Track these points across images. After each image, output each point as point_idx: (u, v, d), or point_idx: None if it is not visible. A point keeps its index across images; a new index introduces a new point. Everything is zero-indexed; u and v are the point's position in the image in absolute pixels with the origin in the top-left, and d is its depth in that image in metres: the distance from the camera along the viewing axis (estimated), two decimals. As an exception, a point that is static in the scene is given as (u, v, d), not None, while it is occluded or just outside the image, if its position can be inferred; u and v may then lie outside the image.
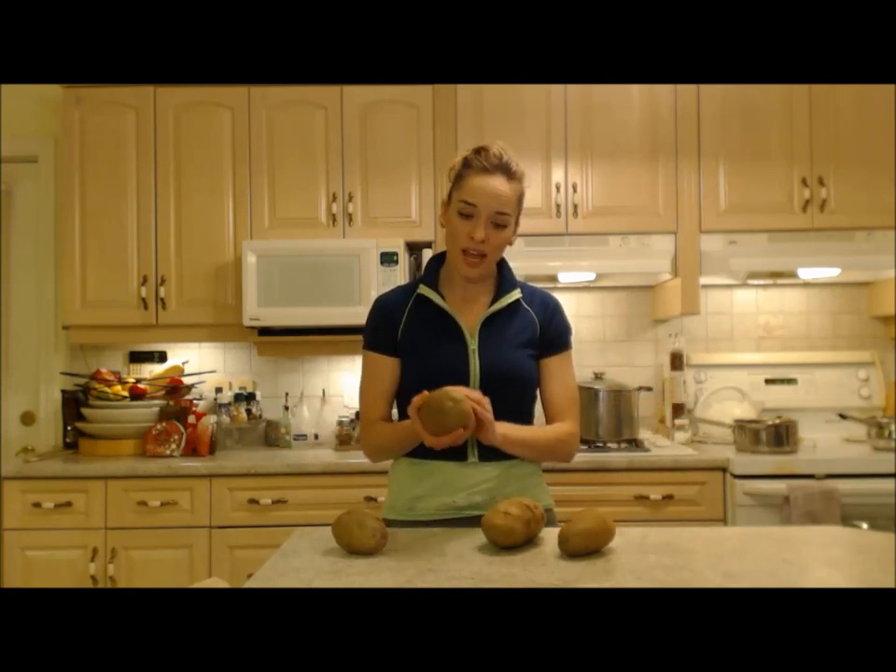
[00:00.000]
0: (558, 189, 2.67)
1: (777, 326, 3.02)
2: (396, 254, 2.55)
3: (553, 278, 2.79)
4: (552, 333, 1.53)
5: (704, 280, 2.78)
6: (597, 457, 2.40)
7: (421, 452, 1.43)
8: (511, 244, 1.50)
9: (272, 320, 2.57)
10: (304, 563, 1.18)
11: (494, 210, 1.42)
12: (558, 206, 2.67)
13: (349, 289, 2.56)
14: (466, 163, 1.45)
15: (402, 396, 1.50)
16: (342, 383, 3.01)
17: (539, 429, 1.50)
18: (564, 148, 2.68)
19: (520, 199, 1.49)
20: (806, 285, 3.00)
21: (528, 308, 1.53)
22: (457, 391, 1.28)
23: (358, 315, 2.53)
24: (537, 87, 2.67)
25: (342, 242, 2.62)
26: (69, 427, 2.77)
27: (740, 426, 2.54)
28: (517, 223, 1.51)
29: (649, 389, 2.78)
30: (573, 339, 1.58)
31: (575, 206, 2.66)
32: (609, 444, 2.56)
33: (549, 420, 1.53)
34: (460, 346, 1.47)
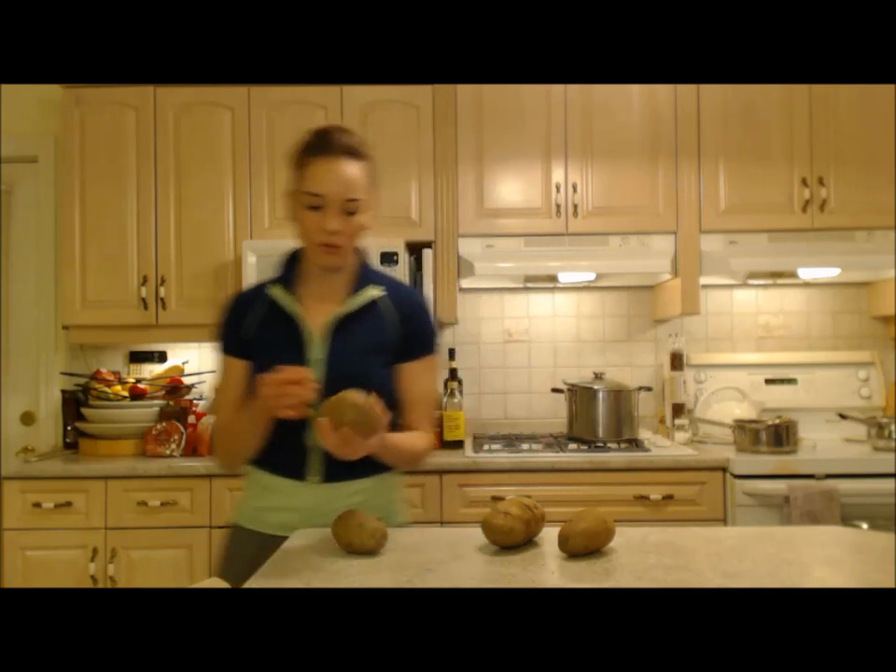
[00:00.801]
0: (558, 189, 2.67)
1: (777, 326, 3.02)
2: (396, 254, 2.55)
3: (553, 278, 2.80)
4: (415, 336, 1.42)
5: (704, 280, 2.79)
6: (597, 457, 2.40)
7: (266, 464, 1.39)
8: (368, 230, 1.39)
9: (272, 320, 2.56)
10: (304, 563, 1.18)
11: (343, 198, 1.30)
12: (558, 206, 2.67)
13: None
14: (306, 148, 1.32)
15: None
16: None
17: (409, 436, 1.40)
18: (564, 148, 2.68)
19: (370, 179, 1.35)
20: (806, 285, 3.00)
21: (390, 306, 1.41)
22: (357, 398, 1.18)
23: (358, 314, 2.53)
24: (537, 87, 2.67)
25: (342, 242, 2.62)
26: (69, 427, 2.77)
27: (740, 426, 2.54)
28: (373, 205, 1.40)
29: (649, 389, 2.78)
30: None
31: (575, 206, 2.66)
32: (608, 444, 2.56)
33: (403, 427, 1.42)
34: (303, 355, 1.36)
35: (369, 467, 1.38)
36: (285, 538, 1.32)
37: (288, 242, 2.61)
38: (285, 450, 1.37)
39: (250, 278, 2.56)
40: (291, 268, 1.44)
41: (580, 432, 2.65)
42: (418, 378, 1.43)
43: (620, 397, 2.63)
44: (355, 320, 1.39)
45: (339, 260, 1.36)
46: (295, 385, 1.19)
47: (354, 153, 1.31)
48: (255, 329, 1.40)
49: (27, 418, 3.02)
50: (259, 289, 1.44)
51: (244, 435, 1.34)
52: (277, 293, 1.40)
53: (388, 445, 1.29)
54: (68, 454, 2.70)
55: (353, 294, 1.40)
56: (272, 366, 1.26)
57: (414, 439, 1.40)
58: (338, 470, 1.36)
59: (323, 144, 1.31)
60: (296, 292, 1.41)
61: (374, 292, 1.41)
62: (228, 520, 2.40)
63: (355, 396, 1.20)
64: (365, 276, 1.43)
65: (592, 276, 2.74)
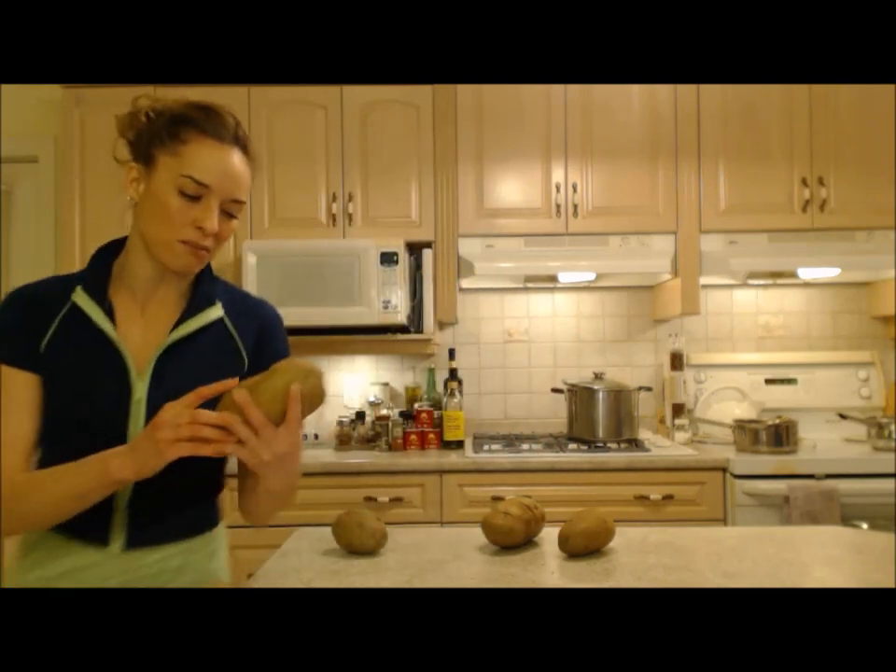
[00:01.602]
0: (558, 189, 2.67)
1: (777, 326, 3.02)
2: (396, 254, 2.55)
3: (553, 278, 2.80)
4: (266, 358, 1.14)
5: (704, 280, 2.79)
6: (597, 457, 2.40)
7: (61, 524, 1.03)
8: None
9: (272, 320, 2.57)
10: (304, 563, 1.18)
11: (231, 196, 1.06)
12: (558, 206, 2.67)
13: (349, 289, 2.56)
14: (184, 119, 1.05)
15: (42, 447, 1.06)
16: (342, 383, 3.01)
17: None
18: (564, 148, 2.68)
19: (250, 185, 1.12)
20: (806, 285, 3.00)
21: (233, 330, 1.15)
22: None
23: (358, 315, 2.53)
24: (537, 87, 2.68)
25: (342, 242, 2.62)
26: None
27: (740, 426, 2.54)
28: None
29: (649, 389, 2.78)
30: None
31: (575, 206, 2.66)
32: (608, 444, 2.56)
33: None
34: (120, 392, 1.05)
35: (185, 525, 1.15)
36: None
37: (291, 242, 2.64)
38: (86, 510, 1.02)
39: (250, 278, 2.56)
40: (104, 268, 1.11)
41: (580, 432, 2.65)
42: None
43: (620, 397, 2.63)
44: (190, 347, 1.10)
45: (198, 267, 1.09)
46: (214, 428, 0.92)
47: (246, 148, 1.09)
48: (56, 344, 1.06)
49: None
50: (58, 291, 1.09)
51: (61, 504, 0.99)
52: (86, 305, 1.07)
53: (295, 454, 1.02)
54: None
55: (186, 313, 1.11)
56: (79, 400, 1.03)
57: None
58: (145, 533, 1.09)
59: (216, 124, 1.06)
60: (111, 302, 1.09)
61: (216, 311, 1.14)
62: (230, 521, 2.40)
63: (291, 364, 0.98)
64: (204, 289, 1.15)
65: (592, 276, 2.74)
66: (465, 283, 2.84)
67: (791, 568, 1.11)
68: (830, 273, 2.71)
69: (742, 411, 2.79)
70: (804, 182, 2.64)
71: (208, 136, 1.04)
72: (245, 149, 1.09)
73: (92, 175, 2.69)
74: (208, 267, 1.17)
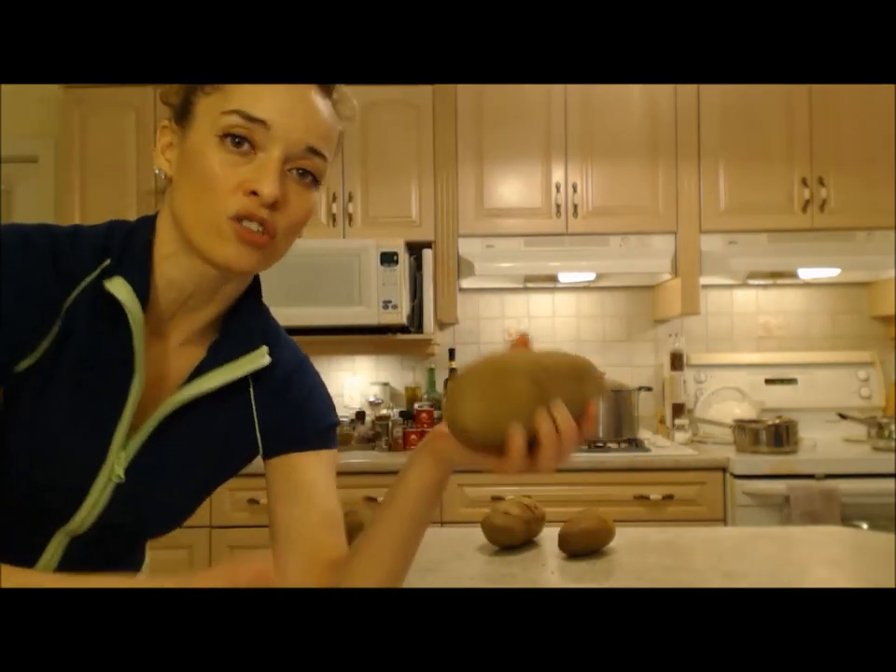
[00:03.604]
0: (558, 189, 2.67)
1: (777, 326, 3.02)
2: (396, 254, 2.55)
3: (553, 278, 2.80)
4: (312, 427, 0.84)
5: (704, 280, 2.79)
6: (597, 457, 2.40)
7: None
8: (300, 235, 0.75)
9: (272, 320, 2.57)
10: (304, 563, 1.18)
11: (305, 143, 0.71)
12: (558, 206, 2.67)
13: (349, 289, 2.56)
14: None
15: None
16: (342, 383, 3.01)
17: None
18: (564, 148, 2.68)
19: (335, 148, 0.76)
20: (806, 285, 3.00)
21: (268, 390, 0.82)
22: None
23: (358, 315, 2.53)
24: (537, 87, 2.68)
25: (342, 242, 2.62)
26: None
27: (740, 426, 2.54)
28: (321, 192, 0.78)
29: (649, 389, 2.78)
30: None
31: (575, 206, 2.66)
32: (609, 444, 2.56)
33: (295, 555, 0.81)
34: (97, 450, 0.72)
35: (131, 564, 0.90)
36: None
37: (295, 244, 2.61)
38: (10, 542, 0.73)
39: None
40: (145, 254, 0.76)
41: (580, 432, 2.65)
42: (317, 480, 0.85)
43: (620, 397, 2.63)
44: (212, 403, 0.77)
45: (257, 264, 0.71)
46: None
47: (327, 89, 0.78)
48: (52, 347, 0.70)
49: (27, 418, 3.02)
50: (79, 263, 0.72)
51: None
52: (128, 300, 0.70)
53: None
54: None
55: (216, 353, 0.77)
56: (51, 454, 0.70)
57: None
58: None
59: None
60: (147, 306, 0.73)
61: (259, 357, 0.79)
62: (229, 521, 2.41)
63: (563, 357, 0.72)
64: (247, 317, 0.81)
65: (592, 276, 2.74)
66: (465, 283, 2.84)
67: (791, 568, 1.11)
68: (830, 273, 2.71)
69: (742, 411, 2.79)
70: (804, 182, 2.64)
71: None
72: (327, 91, 0.77)
73: (92, 175, 2.69)
74: (257, 286, 0.82)
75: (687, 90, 2.67)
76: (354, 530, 1.22)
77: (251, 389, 0.81)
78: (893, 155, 2.62)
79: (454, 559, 1.18)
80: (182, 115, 0.74)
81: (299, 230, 0.74)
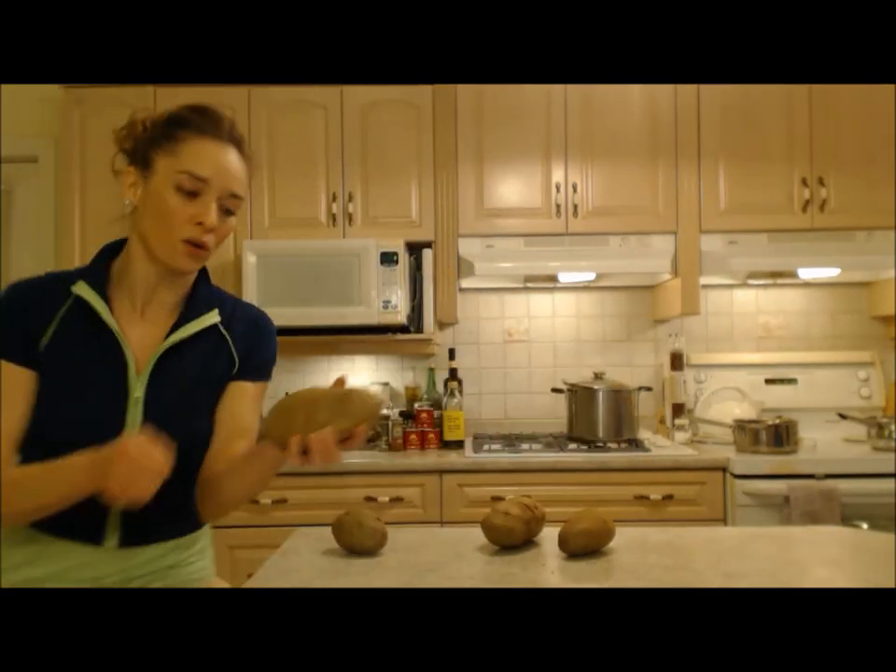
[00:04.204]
0: (558, 188, 2.67)
1: (777, 326, 3.02)
2: (396, 254, 2.55)
3: (553, 278, 2.80)
4: (256, 360, 1.20)
5: (704, 280, 2.79)
6: (597, 457, 2.40)
7: (45, 523, 1.05)
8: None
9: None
10: (304, 563, 1.18)
11: (230, 191, 1.08)
12: (558, 206, 2.67)
13: (349, 289, 2.56)
14: (180, 122, 1.08)
15: (28, 443, 1.05)
16: (345, 376, 3.00)
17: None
18: (564, 148, 2.68)
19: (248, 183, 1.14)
20: (806, 285, 3.00)
21: (226, 334, 1.17)
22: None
23: (359, 314, 2.53)
24: (537, 87, 2.67)
25: (342, 242, 2.62)
26: None
27: (740, 426, 2.54)
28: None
29: (649, 389, 2.78)
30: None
31: (575, 206, 2.66)
32: (609, 444, 2.56)
33: (222, 452, 1.13)
34: (118, 390, 1.07)
35: (176, 524, 1.17)
36: None
37: (291, 242, 2.64)
38: (78, 508, 1.01)
39: (250, 278, 2.56)
40: (103, 268, 1.12)
41: (580, 432, 2.65)
42: (248, 404, 1.18)
43: (620, 397, 2.63)
44: (186, 352, 1.12)
45: (198, 266, 1.11)
46: (151, 459, 0.91)
47: (241, 147, 1.12)
48: (57, 340, 1.07)
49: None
50: (59, 284, 1.09)
51: (35, 500, 1.00)
52: (88, 295, 1.08)
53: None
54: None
55: (184, 317, 1.13)
56: (77, 397, 1.04)
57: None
58: (141, 532, 1.11)
59: (211, 123, 1.09)
60: (109, 300, 1.09)
61: (212, 318, 1.16)
62: (229, 521, 2.41)
63: (340, 389, 1.04)
64: (200, 294, 1.17)
65: (592, 276, 2.74)
66: (465, 283, 2.84)
67: (791, 568, 1.11)
68: (830, 272, 2.71)
69: (742, 411, 2.79)
70: (804, 182, 2.64)
71: (205, 135, 1.07)
72: (240, 147, 1.12)
73: (92, 175, 2.69)
74: (205, 273, 1.20)
75: (687, 90, 2.67)
76: (353, 529, 1.22)
77: (226, 333, 1.17)
78: (893, 155, 2.62)
79: (454, 559, 1.18)
80: (144, 165, 1.09)
81: (221, 242, 1.13)
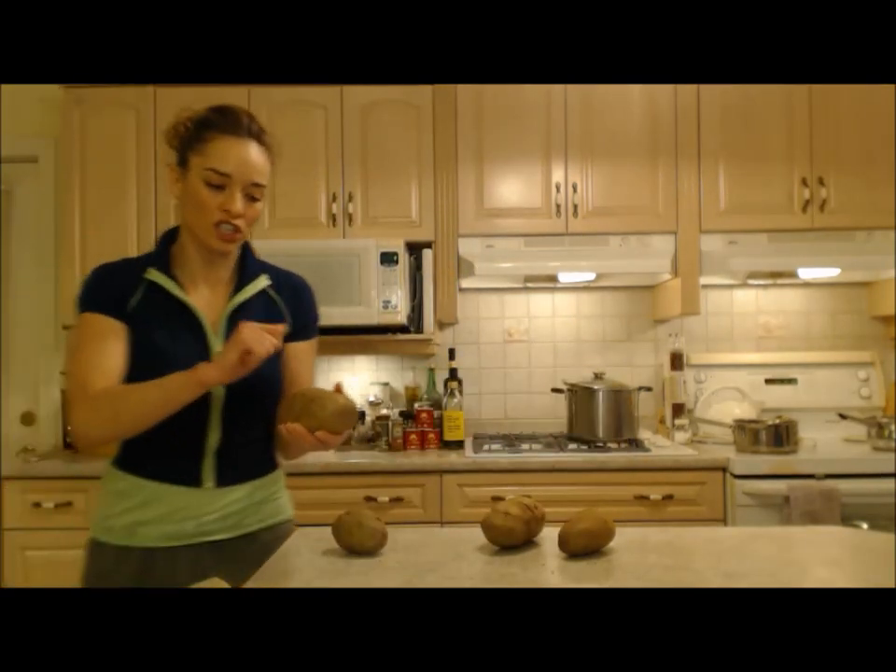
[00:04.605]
0: (558, 189, 2.67)
1: (777, 326, 3.02)
2: (396, 254, 2.55)
3: (553, 278, 2.80)
4: (302, 321, 1.41)
5: (704, 280, 2.79)
6: (597, 457, 2.40)
7: (150, 471, 1.27)
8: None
9: (272, 320, 2.57)
10: (304, 563, 1.18)
11: (251, 181, 1.25)
12: (558, 206, 2.67)
13: (349, 289, 2.56)
14: (206, 123, 1.25)
15: None
16: (342, 383, 3.01)
17: None
18: (564, 148, 2.68)
19: (269, 171, 1.32)
20: (806, 285, 3.00)
21: (277, 296, 1.39)
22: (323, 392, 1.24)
23: (358, 314, 2.53)
24: (537, 87, 2.67)
25: (342, 242, 2.62)
26: (69, 427, 2.76)
27: (740, 426, 2.54)
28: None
29: (649, 389, 2.78)
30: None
31: (575, 206, 2.66)
32: (609, 444, 2.56)
33: None
34: (200, 346, 1.28)
35: (260, 466, 1.37)
36: (172, 548, 1.27)
37: (291, 242, 2.64)
38: (179, 455, 1.28)
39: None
40: (167, 250, 1.33)
41: (580, 432, 2.65)
42: (304, 361, 1.41)
43: (620, 397, 2.63)
44: (247, 311, 1.32)
45: (233, 246, 1.29)
46: (270, 335, 1.16)
47: (261, 140, 1.28)
48: (141, 310, 1.27)
49: (27, 418, 3.02)
50: (133, 268, 1.30)
51: (150, 408, 1.18)
52: (161, 280, 1.28)
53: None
54: (68, 454, 2.69)
55: (240, 283, 1.34)
56: (169, 357, 1.23)
57: None
58: (231, 473, 1.31)
59: (231, 122, 1.25)
60: (176, 278, 1.30)
61: (263, 281, 1.37)
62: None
63: (323, 393, 1.23)
64: (249, 264, 1.38)
65: (592, 276, 2.74)
66: (465, 283, 2.84)
67: (791, 568, 1.11)
68: (830, 272, 2.71)
69: (742, 411, 2.79)
70: (804, 182, 2.64)
71: (225, 133, 1.23)
72: (260, 140, 1.28)
73: (92, 175, 2.69)
74: (250, 249, 1.40)
75: (687, 90, 2.67)
76: (353, 529, 1.22)
77: (276, 296, 1.39)
78: (893, 155, 2.62)
79: (454, 559, 1.18)
80: (182, 164, 1.27)
81: (252, 223, 1.30)
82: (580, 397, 2.66)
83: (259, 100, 2.70)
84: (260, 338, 1.14)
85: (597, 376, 2.68)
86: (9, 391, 3.02)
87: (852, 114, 2.64)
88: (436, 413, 2.71)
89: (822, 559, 1.17)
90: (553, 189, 2.67)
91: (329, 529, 1.28)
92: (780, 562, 1.14)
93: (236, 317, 1.29)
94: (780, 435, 2.46)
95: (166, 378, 1.17)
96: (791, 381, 2.90)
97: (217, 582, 1.25)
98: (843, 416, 2.71)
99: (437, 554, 1.21)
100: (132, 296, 1.27)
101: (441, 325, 2.88)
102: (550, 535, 1.28)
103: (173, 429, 1.22)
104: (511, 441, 2.69)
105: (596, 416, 2.62)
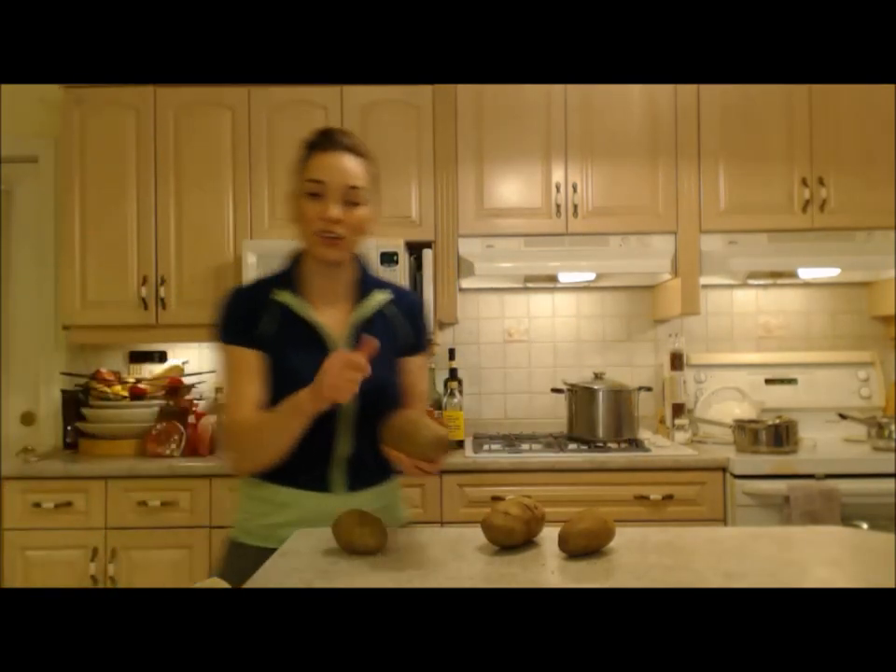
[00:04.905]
0: (558, 189, 2.67)
1: (777, 326, 3.02)
2: (396, 254, 2.55)
3: (553, 278, 2.79)
4: (416, 337, 1.48)
5: (704, 280, 2.79)
6: (597, 457, 2.40)
7: (284, 478, 1.37)
8: (370, 230, 1.40)
9: (272, 320, 2.57)
10: (304, 563, 1.18)
11: (345, 185, 1.32)
12: (558, 206, 2.67)
13: (349, 289, 2.55)
14: (309, 145, 1.37)
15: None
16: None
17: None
18: (564, 148, 2.68)
19: (372, 178, 1.38)
20: (806, 285, 3.00)
21: (396, 310, 1.45)
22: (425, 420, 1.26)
23: (358, 315, 2.53)
24: (537, 87, 2.67)
25: (342, 242, 2.62)
26: (69, 427, 2.77)
27: (740, 426, 2.54)
28: (375, 206, 1.41)
29: (649, 389, 2.78)
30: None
31: (575, 206, 2.66)
32: (609, 444, 2.56)
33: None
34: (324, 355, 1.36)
35: (383, 472, 1.45)
36: None
37: (288, 241, 2.62)
38: (311, 462, 1.37)
39: (250, 278, 2.55)
40: (293, 270, 1.43)
41: (580, 432, 2.65)
42: (418, 374, 1.48)
43: (620, 397, 2.63)
44: (370, 326, 1.40)
45: (338, 253, 1.35)
46: (353, 370, 1.20)
47: (354, 150, 1.36)
48: (270, 331, 1.37)
49: (27, 418, 3.02)
50: (263, 290, 1.41)
51: (276, 437, 1.30)
52: (288, 299, 1.39)
53: None
54: (68, 454, 2.70)
55: (361, 299, 1.42)
56: (300, 370, 1.30)
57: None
58: (360, 479, 1.41)
59: (325, 140, 1.35)
60: (302, 296, 1.40)
61: (383, 296, 1.44)
62: (228, 521, 2.41)
63: (418, 421, 1.23)
64: (368, 281, 1.45)
65: (592, 276, 2.74)
66: (465, 283, 2.83)
67: (791, 568, 1.11)
68: (830, 272, 2.71)
69: (742, 411, 2.79)
70: (804, 182, 2.64)
71: (320, 148, 1.35)
72: (354, 151, 1.35)
73: (92, 175, 2.69)
74: (366, 264, 1.47)
75: (687, 90, 2.67)
76: (353, 529, 1.22)
77: (395, 309, 1.45)
78: (893, 155, 2.62)
79: (454, 559, 1.18)
80: (294, 184, 1.38)
81: (359, 231, 1.36)
82: (580, 397, 2.66)
83: (259, 100, 2.70)
84: (340, 376, 1.19)
85: (597, 376, 2.68)
86: (9, 391, 3.02)
87: (852, 114, 2.64)
88: (436, 413, 2.71)
89: (822, 559, 1.17)
90: (553, 189, 2.67)
91: (329, 529, 1.28)
92: (780, 562, 1.14)
93: (360, 332, 1.37)
94: (780, 435, 2.46)
95: (280, 407, 1.28)
96: (791, 381, 2.90)
97: (217, 582, 1.25)
98: (843, 416, 2.71)
99: (437, 554, 1.21)
100: (261, 319, 1.37)
101: (441, 325, 2.88)
102: (550, 535, 1.28)
103: (305, 439, 1.29)
104: (511, 441, 2.69)
105: (596, 416, 2.62)
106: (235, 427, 1.34)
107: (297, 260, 1.44)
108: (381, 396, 1.36)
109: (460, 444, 2.66)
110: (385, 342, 1.35)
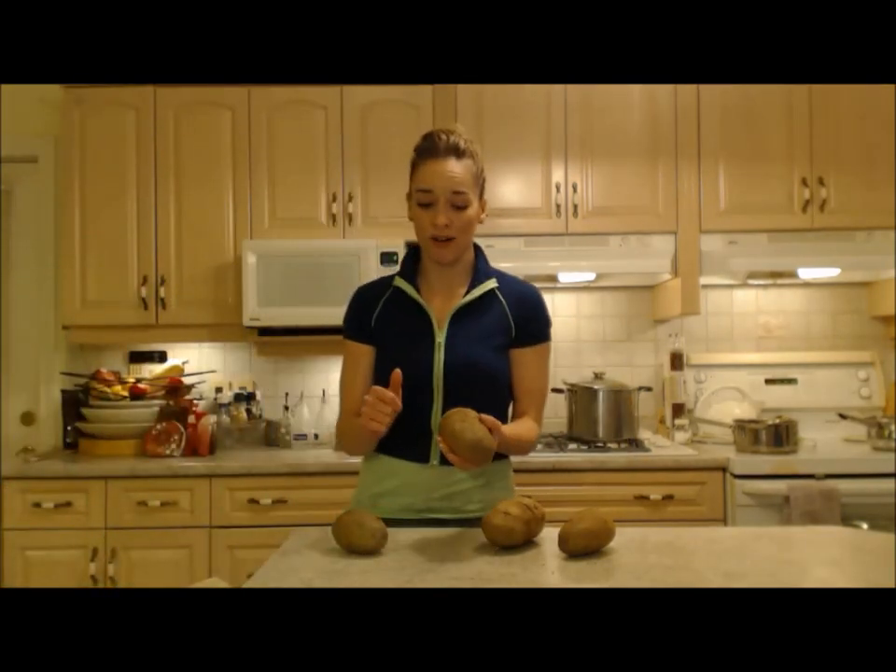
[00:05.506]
0: (558, 188, 2.67)
1: (777, 326, 3.02)
2: (396, 254, 2.55)
3: (553, 278, 2.79)
4: (526, 325, 1.52)
5: (704, 280, 2.78)
6: (597, 457, 2.40)
7: (385, 448, 1.47)
8: (480, 222, 1.49)
9: (271, 320, 2.57)
10: (304, 563, 1.18)
11: (450, 191, 1.40)
12: (558, 206, 2.67)
13: (349, 289, 2.54)
14: (417, 152, 1.45)
15: (376, 382, 1.49)
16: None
17: (518, 428, 1.48)
18: (564, 148, 2.68)
19: (476, 175, 1.45)
20: (806, 285, 2.99)
21: (502, 299, 1.52)
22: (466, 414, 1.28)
23: (358, 314, 2.53)
24: (537, 87, 2.67)
25: (342, 242, 2.62)
26: (69, 427, 2.77)
27: (740, 426, 2.54)
28: (481, 200, 1.49)
29: (649, 389, 2.78)
30: (552, 335, 1.59)
31: (575, 206, 2.66)
32: (608, 444, 2.56)
33: (515, 412, 1.54)
34: (427, 338, 1.47)
35: None
36: (405, 521, 1.42)
37: (291, 242, 2.64)
38: (409, 433, 1.44)
39: (250, 278, 2.56)
40: (413, 264, 1.54)
41: (580, 432, 2.65)
42: (528, 366, 1.52)
43: (620, 397, 2.63)
44: (472, 310, 1.49)
45: (450, 254, 1.45)
46: (385, 404, 1.30)
47: (458, 152, 1.42)
48: (382, 316, 1.51)
49: (27, 418, 3.02)
50: (382, 283, 1.56)
51: (360, 438, 1.45)
52: (402, 285, 1.51)
53: (502, 442, 1.33)
54: (68, 454, 2.70)
55: (473, 284, 1.51)
56: (400, 349, 1.46)
57: (523, 430, 1.47)
58: None
59: (429, 146, 1.42)
60: (418, 285, 1.51)
61: (492, 283, 1.51)
62: (228, 521, 2.42)
63: (465, 420, 1.25)
64: (480, 271, 1.53)
65: (592, 276, 2.74)
66: (465, 283, 2.83)
67: (791, 568, 1.11)
68: (830, 272, 2.71)
69: (742, 411, 2.79)
70: (804, 182, 2.64)
71: (426, 157, 1.42)
72: (457, 153, 1.42)
73: (92, 175, 2.69)
74: (483, 258, 1.56)
75: (687, 90, 2.67)
76: (353, 529, 1.22)
77: (502, 298, 1.52)
78: (893, 155, 2.62)
79: (454, 559, 1.18)
80: (410, 194, 1.47)
81: (468, 230, 1.45)
82: (580, 397, 2.66)
83: (259, 100, 2.70)
84: (374, 408, 1.30)
85: (597, 376, 2.68)
86: (9, 391, 3.02)
87: (852, 114, 2.64)
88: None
89: (822, 559, 1.17)
90: (553, 189, 2.67)
91: (329, 529, 1.28)
92: (780, 562, 1.14)
93: (461, 316, 1.48)
94: (780, 435, 2.46)
95: (357, 420, 1.39)
96: (791, 381, 2.90)
97: (217, 582, 1.25)
98: (843, 416, 2.71)
99: (437, 554, 1.21)
100: (377, 309, 1.52)
101: (441, 325, 2.88)
102: (550, 535, 1.28)
103: (404, 412, 1.36)
104: (511, 440, 2.68)
105: (596, 416, 2.62)
106: (340, 422, 1.54)
107: (416, 254, 1.55)
108: (468, 373, 1.44)
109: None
110: (479, 325, 1.48)
